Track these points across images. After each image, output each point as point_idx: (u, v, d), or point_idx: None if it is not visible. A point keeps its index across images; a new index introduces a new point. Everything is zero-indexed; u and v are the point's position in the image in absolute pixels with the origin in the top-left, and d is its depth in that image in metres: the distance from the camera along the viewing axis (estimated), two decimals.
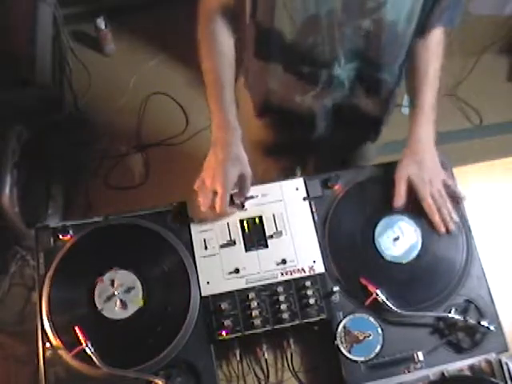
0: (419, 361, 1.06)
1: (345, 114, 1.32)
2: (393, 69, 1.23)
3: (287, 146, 1.53)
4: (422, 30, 1.18)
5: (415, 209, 1.17)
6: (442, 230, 1.16)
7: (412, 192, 1.17)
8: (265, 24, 1.16)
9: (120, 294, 1.09)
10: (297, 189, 1.20)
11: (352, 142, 1.51)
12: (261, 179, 1.23)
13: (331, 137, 1.41)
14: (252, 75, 1.34)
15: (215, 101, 1.15)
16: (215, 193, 1.11)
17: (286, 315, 1.09)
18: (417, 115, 1.20)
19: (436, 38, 1.21)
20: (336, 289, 1.10)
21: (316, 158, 1.65)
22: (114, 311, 1.09)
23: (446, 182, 1.19)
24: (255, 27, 1.19)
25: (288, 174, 1.72)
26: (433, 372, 1.06)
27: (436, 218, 1.16)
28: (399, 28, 1.12)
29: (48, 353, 1.06)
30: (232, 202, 1.15)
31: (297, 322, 1.09)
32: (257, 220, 1.17)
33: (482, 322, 1.07)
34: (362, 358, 1.07)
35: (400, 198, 1.17)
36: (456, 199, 1.19)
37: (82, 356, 1.03)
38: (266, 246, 1.15)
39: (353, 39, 1.13)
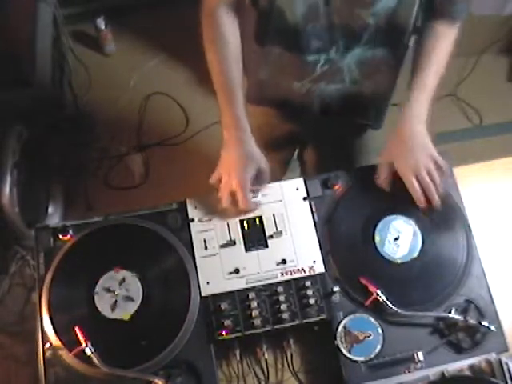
0: (419, 361, 1.06)
1: (344, 99, 1.32)
2: (398, 50, 1.23)
3: (284, 138, 1.54)
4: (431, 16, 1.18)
5: (413, 207, 1.15)
6: (424, 208, 1.13)
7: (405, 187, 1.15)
8: (265, 12, 1.16)
9: (120, 294, 1.09)
10: (297, 189, 1.20)
11: (352, 129, 1.51)
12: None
13: (330, 124, 1.40)
14: (248, 63, 1.33)
15: (225, 100, 1.16)
16: (234, 192, 1.13)
17: (286, 315, 1.09)
18: (409, 96, 1.18)
19: (448, 29, 1.20)
20: (336, 289, 1.10)
21: (315, 152, 1.65)
22: (114, 311, 1.09)
23: (435, 158, 1.15)
24: (256, 15, 1.18)
25: (286, 168, 1.73)
26: (433, 372, 1.05)
27: (417, 199, 1.12)
28: (401, 11, 1.11)
29: (48, 353, 1.06)
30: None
31: (297, 322, 1.09)
32: (257, 220, 1.17)
33: (483, 322, 1.07)
34: (362, 358, 1.07)
35: (381, 177, 1.16)
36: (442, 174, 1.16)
37: (82, 356, 1.03)
38: (266, 246, 1.15)
39: (352, 28, 1.14)
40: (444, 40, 1.19)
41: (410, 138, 1.15)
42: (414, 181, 1.13)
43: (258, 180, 1.17)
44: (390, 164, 1.16)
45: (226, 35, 1.16)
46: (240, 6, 1.17)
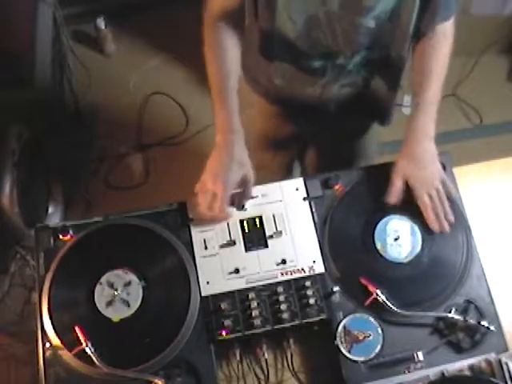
0: (419, 361, 1.06)
1: (356, 98, 1.33)
2: (400, 51, 1.23)
3: (286, 139, 1.54)
4: (422, 29, 1.18)
5: (413, 208, 1.16)
6: (436, 228, 1.15)
7: (409, 191, 1.16)
8: (267, 25, 1.16)
9: (120, 294, 1.09)
10: (297, 189, 1.20)
11: (361, 127, 1.51)
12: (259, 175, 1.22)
13: (337, 124, 1.41)
14: (255, 72, 1.34)
15: (219, 104, 1.16)
16: (215, 194, 1.12)
17: (286, 315, 1.09)
18: (415, 113, 1.19)
19: (441, 32, 1.19)
20: (336, 289, 1.10)
21: (315, 152, 1.65)
22: (114, 311, 1.09)
23: (444, 180, 1.17)
24: (258, 28, 1.19)
25: (286, 169, 1.73)
26: (433, 372, 1.06)
27: (430, 218, 1.14)
28: (402, 12, 1.12)
29: (48, 353, 1.06)
30: (233, 203, 1.16)
31: (297, 322, 1.09)
32: (257, 220, 1.17)
33: (482, 322, 1.07)
34: (362, 358, 1.07)
35: (393, 194, 1.15)
36: (449, 198, 1.17)
37: (82, 356, 1.03)
38: (266, 246, 1.15)
39: (355, 35, 1.14)
40: (440, 50, 1.20)
41: (422, 158, 1.17)
42: (427, 199, 1.14)
43: (241, 187, 1.16)
44: (404, 180, 1.16)
45: (226, 43, 1.16)
46: (241, 18, 1.18)
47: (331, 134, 1.49)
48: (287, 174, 1.76)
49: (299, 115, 1.43)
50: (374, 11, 1.09)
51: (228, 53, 1.17)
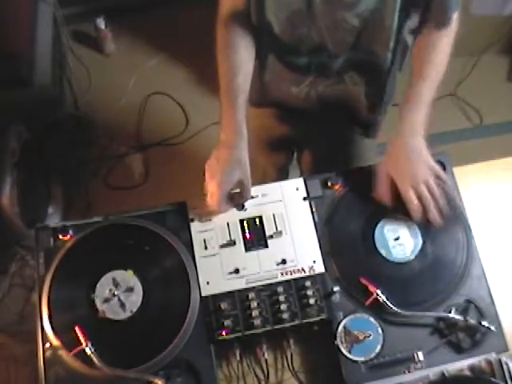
0: (419, 361, 1.06)
1: (343, 101, 1.33)
2: (385, 55, 1.23)
3: (281, 141, 1.54)
4: (420, 25, 1.18)
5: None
6: (417, 219, 1.12)
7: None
8: (256, 20, 1.17)
9: (120, 294, 1.09)
10: (297, 189, 1.20)
11: (349, 134, 1.51)
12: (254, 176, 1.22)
13: (329, 126, 1.41)
14: None
15: (226, 104, 1.16)
16: (211, 193, 1.12)
17: (286, 315, 1.09)
18: (405, 108, 1.17)
19: (441, 33, 1.18)
20: (336, 289, 1.10)
21: (311, 153, 1.65)
22: (114, 311, 1.09)
23: (439, 175, 1.14)
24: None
25: (281, 170, 1.73)
26: (433, 372, 1.06)
27: (412, 213, 1.12)
28: (385, 12, 1.12)
29: (48, 353, 1.06)
30: (231, 201, 1.16)
31: (297, 322, 1.09)
32: (257, 220, 1.17)
33: (483, 322, 1.07)
34: (362, 358, 1.07)
35: (379, 191, 1.15)
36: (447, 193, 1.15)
37: (82, 356, 1.03)
38: (266, 246, 1.15)
39: (339, 32, 1.14)
40: (439, 49, 1.18)
41: (408, 152, 1.14)
42: (412, 193, 1.11)
43: (239, 188, 1.15)
44: (389, 177, 1.15)
45: (236, 44, 1.17)
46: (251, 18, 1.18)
47: (325, 135, 1.49)
48: (282, 175, 1.76)
49: (289, 116, 1.43)
50: (357, 8, 1.09)
51: (237, 53, 1.17)
